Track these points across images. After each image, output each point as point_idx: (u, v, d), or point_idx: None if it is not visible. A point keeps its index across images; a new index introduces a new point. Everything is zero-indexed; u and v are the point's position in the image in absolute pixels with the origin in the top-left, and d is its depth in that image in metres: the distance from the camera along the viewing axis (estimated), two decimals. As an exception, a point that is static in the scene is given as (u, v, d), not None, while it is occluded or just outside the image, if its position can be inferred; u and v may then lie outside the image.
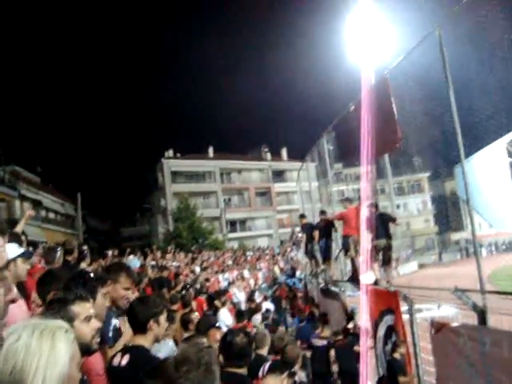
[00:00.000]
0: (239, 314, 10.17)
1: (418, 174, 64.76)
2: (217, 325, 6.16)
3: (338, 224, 12.82)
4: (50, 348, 1.45)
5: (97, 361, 3.11)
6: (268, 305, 14.72)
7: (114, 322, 4.03)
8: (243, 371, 3.59)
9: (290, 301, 17.29)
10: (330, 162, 14.01)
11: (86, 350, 2.62)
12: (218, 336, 5.01)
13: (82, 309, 2.64)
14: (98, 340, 2.75)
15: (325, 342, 10.02)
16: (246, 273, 23.99)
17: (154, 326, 3.52)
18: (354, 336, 9.92)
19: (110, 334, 3.89)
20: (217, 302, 11.21)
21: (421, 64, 8.32)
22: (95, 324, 2.70)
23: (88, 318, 2.65)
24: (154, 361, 3.34)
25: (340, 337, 9.82)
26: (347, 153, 12.16)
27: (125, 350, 3.49)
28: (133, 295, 4.71)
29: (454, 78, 7.04)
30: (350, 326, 10.40)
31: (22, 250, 3.91)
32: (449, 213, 63.92)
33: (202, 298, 11.74)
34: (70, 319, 2.53)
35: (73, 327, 2.53)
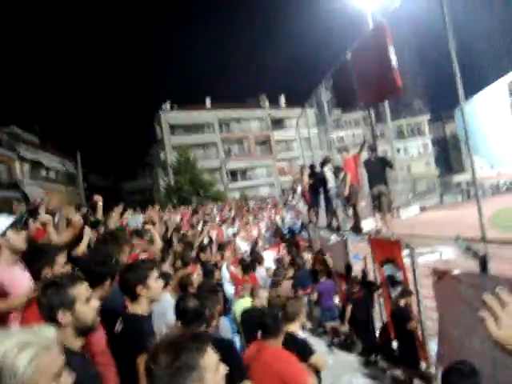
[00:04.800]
0: (245, 267, 10.14)
1: (417, 117, 64.27)
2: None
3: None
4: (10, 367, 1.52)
5: (99, 339, 3.13)
6: (269, 255, 14.78)
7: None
8: (203, 329, 3.67)
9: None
10: (328, 109, 13.87)
11: (87, 330, 2.64)
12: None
13: (80, 291, 2.63)
14: (98, 320, 2.75)
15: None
16: (250, 223, 24.13)
17: (142, 290, 3.51)
18: (367, 286, 9.98)
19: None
20: (226, 254, 11.23)
21: (420, 7, 8.13)
22: (95, 304, 2.71)
23: (87, 299, 2.65)
24: (140, 329, 3.38)
25: (356, 289, 9.82)
26: (345, 100, 12.02)
27: (121, 318, 3.54)
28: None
29: (454, 22, 6.87)
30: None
31: (10, 220, 3.86)
32: (450, 155, 63.80)
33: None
34: (71, 301, 2.53)
35: (74, 310, 2.54)
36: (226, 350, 3.36)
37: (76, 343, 2.54)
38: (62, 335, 2.48)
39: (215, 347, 2.47)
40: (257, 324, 4.70)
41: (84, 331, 2.60)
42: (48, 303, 2.49)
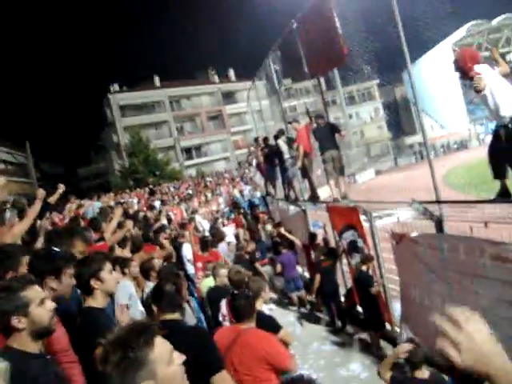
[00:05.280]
0: (204, 244, 10.08)
1: (367, 82, 64.79)
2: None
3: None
4: None
5: (60, 338, 3.04)
6: (229, 230, 14.74)
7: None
8: (177, 316, 3.61)
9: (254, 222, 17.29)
10: (278, 80, 13.78)
11: (45, 332, 2.55)
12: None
13: (33, 293, 2.52)
14: (55, 321, 2.66)
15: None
16: (209, 199, 24.10)
17: (96, 283, 3.45)
18: (332, 254, 10.02)
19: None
20: (186, 234, 11.13)
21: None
22: (50, 305, 2.60)
23: (42, 301, 2.54)
24: (97, 321, 3.31)
25: (323, 257, 9.85)
26: (294, 70, 11.98)
27: (80, 313, 3.49)
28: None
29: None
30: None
31: None
32: (401, 118, 64.78)
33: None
34: (25, 305, 2.43)
35: (28, 314, 2.44)
36: (198, 340, 3.33)
37: (34, 346, 2.46)
38: (19, 340, 2.41)
39: (187, 338, 2.41)
40: (219, 300, 4.67)
41: (41, 334, 2.51)
42: (0, 310, 2.37)
